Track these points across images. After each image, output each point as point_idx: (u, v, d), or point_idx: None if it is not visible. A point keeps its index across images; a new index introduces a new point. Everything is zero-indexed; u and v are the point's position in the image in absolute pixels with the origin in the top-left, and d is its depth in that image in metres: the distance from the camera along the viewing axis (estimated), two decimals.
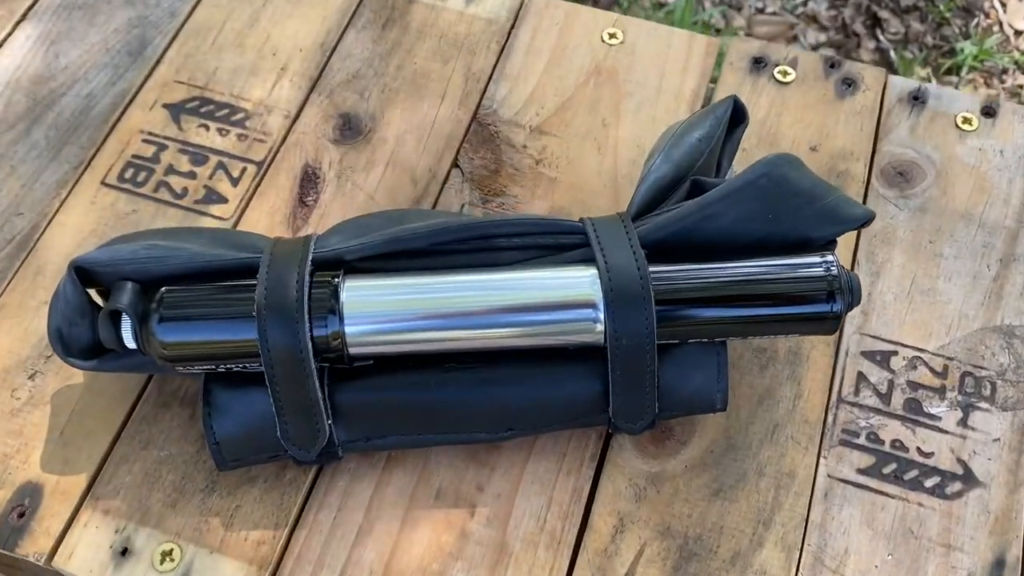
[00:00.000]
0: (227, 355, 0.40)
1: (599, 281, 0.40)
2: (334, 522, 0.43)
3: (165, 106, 0.55)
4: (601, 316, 0.40)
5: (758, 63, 0.57)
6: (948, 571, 0.42)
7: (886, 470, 0.45)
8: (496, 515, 0.44)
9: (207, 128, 0.54)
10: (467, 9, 0.59)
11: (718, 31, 1.20)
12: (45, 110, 0.55)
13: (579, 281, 0.40)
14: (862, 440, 0.45)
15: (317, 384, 0.40)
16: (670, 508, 0.44)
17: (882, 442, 0.45)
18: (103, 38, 0.58)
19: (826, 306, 0.40)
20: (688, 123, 0.46)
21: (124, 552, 0.42)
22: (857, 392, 0.47)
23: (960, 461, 0.45)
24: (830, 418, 0.46)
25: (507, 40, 0.58)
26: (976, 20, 1.25)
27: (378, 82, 0.56)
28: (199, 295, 0.40)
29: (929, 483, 0.44)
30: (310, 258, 0.40)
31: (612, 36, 0.58)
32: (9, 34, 0.58)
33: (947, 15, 1.25)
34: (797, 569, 0.42)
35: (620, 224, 0.41)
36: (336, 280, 0.40)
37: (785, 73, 0.56)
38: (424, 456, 0.45)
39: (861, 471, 0.45)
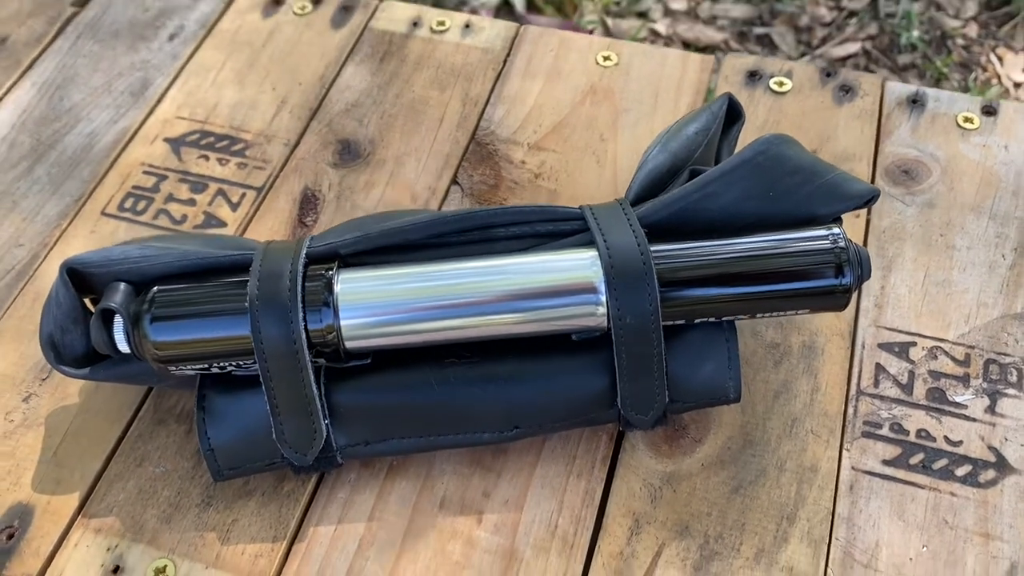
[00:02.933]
0: (221, 353, 0.39)
1: (599, 262, 0.39)
2: (334, 534, 0.41)
3: (166, 140, 0.56)
4: (603, 298, 0.38)
5: (753, 76, 0.57)
6: (989, 561, 0.40)
7: (913, 460, 0.42)
8: (504, 522, 0.41)
9: (207, 158, 0.55)
10: (463, 40, 0.60)
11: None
12: (48, 149, 0.55)
13: (579, 263, 0.39)
14: (885, 431, 0.43)
15: (312, 379, 0.39)
16: (688, 507, 0.41)
17: (907, 432, 0.43)
18: (106, 81, 0.59)
19: (835, 279, 0.39)
20: (684, 119, 0.45)
21: (116, 570, 0.40)
22: (876, 384, 0.45)
23: (992, 448, 0.43)
24: (850, 410, 0.44)
25: (503, 67, 0.59)
26: (974, 74, 1.27)
27: (377, 109, 0.57)
28: (191, 293, 0.39)
29: (960, 472, 0.42)
30: (304, 252, 0.40)
31: (606, 59, 0.58)
32: (15, 82, 0.59)
33: (944, 71, 1.26)
34: (826, 564, 0.40)
35: (619, 208, 0.41)
36: (330, 273, 0.39)
37: (781, 83, 0.56)
38: (427, 464, 0.43)
39: (887, 462, 0.42)
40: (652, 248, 0.39)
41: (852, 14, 1.29)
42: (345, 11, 0.62)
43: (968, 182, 0.52)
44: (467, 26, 0.61)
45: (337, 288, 0.39)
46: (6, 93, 0.59)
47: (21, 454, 0.44)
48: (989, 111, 0.55)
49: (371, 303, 0.39)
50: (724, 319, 0.40)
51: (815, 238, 0.39)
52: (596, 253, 0.39)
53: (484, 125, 0.56)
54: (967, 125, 0.54)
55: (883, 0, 1.30)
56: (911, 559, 0.40)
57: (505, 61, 0.59)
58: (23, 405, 0.45)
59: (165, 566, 0.40)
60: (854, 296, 0.47)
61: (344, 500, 0.42)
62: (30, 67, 0.60)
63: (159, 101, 0.58)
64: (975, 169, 0.52)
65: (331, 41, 0.60)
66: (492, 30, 0.61)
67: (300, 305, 0.38)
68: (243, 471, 0.41)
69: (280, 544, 0.41)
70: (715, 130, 0.45)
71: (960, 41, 1.29)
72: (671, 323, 0.40)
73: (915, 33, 1.26)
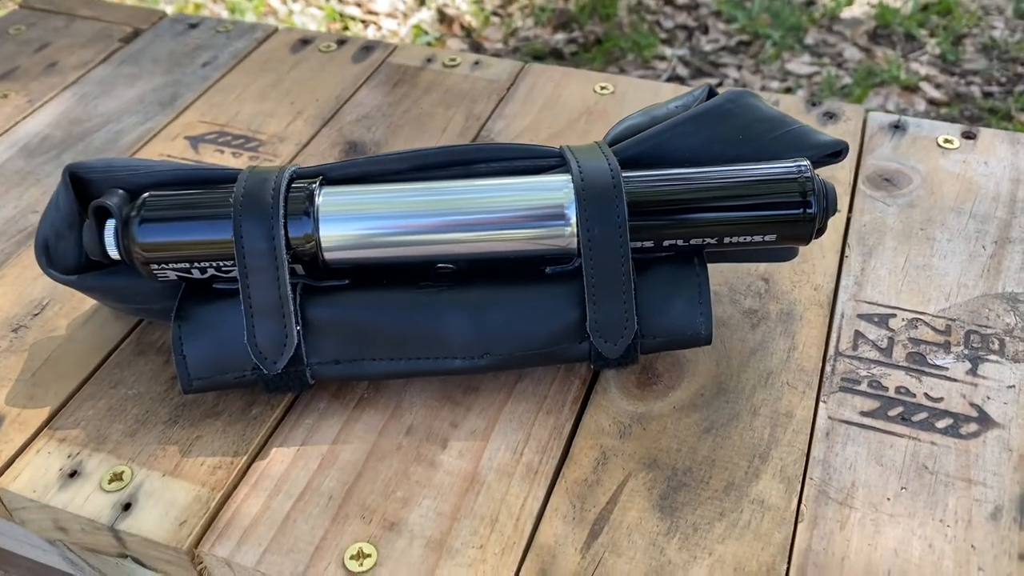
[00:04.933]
0: (203, 256, 0.40)
1: (572, 183, 0.40)
2: (297, 453, 0.41)
3: (186, 138, 0.59)
4: (573, 219, 0.40)
5: None
6: (972, 503, 0.38)
7: (892, 413, 0.41)
8: (469, 449, 0.41)
9: (222, 152, 0.58)
10: (472, 73, 0.65)
11: None
12: (77, 141, 0.59)
13: (553, 184, 0.40)
14: (864, 387, 0.42)
15: (288, 281, 0.39)
16: (657, 443, 0.40)
17: (886, 388, 0.42)
18: (140, 94, 0.64)
19: (799, 208, 0.40)
20: (667, 100, 0.48)
21: (73, 474, 0.40)
22: (855, 347, 0.44)
23: (974, 405, 0.41)
24: (828, 368, 0.43)
25: (506, 93, 0.63)
26: None
27: (385, 121, 0.60)
28: (180, 199, 0.41)
29: (941, 424, 0.41)
30: (291, 170, 0.42)
31: (604, 88, 0.62)
32: (58, 93, 0.64)
33: None
34: (800, 500, 0.38)
35: (595, 145, 0.43)
36: (312, 186, 0.41)
37: None
38: (397, 395, 0.43)
39: (865, 414, 0.41)
40: (624, 174, 0.40)
41: None
42: (366, 50, 0.67)
43: (948, 189, 0.53)
44: (476, 63, 0.65)
45: (319, 200, 0.41)
46: (48, 101, 0.63)
47: (1, 374, 0.44)
48: (969, 136, 0.57)
49: (350, 215, 0.40)
50: (693, 248, 0.41)
51: (783, 169, 0.40)
52: (570, 177, 0.41)
53: (484, 134, 0.59)
54: (947, 145, 0.56)
55: None
56: (888, 499, 0.38)
57: (509, 89, 0.63)
58: (12, 335, 0.46)
59: (122, 472, 0.40)
60: (834, 266, 0.48)
61: (311, 425, 0.42)
62: (74, 82, 0.65)
63: (185, 110, 0.62)
64: (955, 179, 0.54)
65: (350, 71, 0.65)
66: (499, 66, 0.65)
67: (282, 210, 0.40)
68: (212, 382, 0.41)
69: (240, 459, 0.40)
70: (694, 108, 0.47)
71: None
72: (640, 245, 0.40)
73: None
